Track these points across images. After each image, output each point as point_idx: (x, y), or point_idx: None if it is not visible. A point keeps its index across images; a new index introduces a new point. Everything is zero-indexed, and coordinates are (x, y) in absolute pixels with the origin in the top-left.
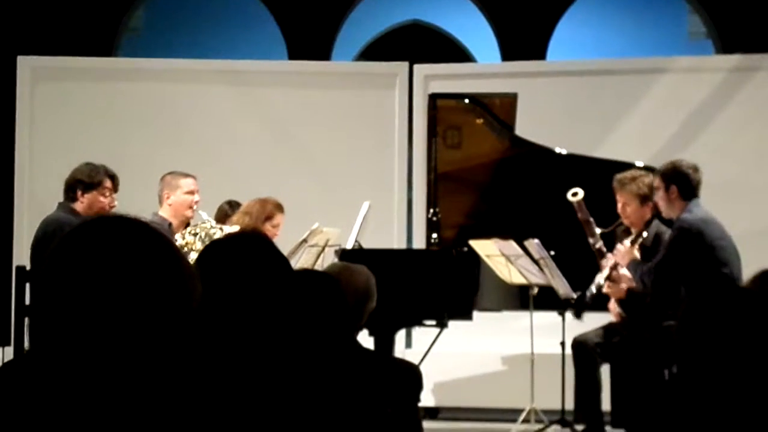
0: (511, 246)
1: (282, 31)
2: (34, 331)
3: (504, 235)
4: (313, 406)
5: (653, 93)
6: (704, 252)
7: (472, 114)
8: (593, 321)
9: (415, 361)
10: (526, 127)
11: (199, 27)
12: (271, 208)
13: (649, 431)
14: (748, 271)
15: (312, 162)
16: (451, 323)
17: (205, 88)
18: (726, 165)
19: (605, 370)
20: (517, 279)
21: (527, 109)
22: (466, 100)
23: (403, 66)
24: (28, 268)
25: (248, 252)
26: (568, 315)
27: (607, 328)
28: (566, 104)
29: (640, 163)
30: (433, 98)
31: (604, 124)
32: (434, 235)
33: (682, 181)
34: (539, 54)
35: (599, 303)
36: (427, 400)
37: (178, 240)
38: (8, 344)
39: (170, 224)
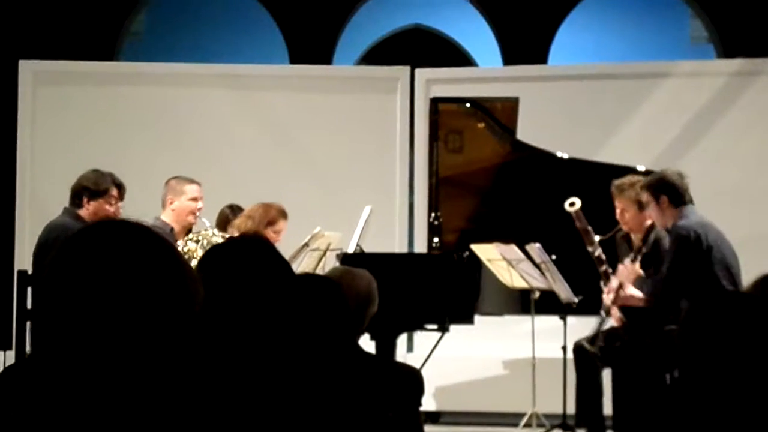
0: (513, 250)
1: (283, 35)
2: (36, 335)
3: (505, 239)
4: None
5: (655, 97)
6: (704, 254)
7: (474, 118)
8: (594, 325)
9: (417, 366)
10: (527, 132)
11: (201, 31)
12: (275, 214)
13: None
14: (749, 276)
15: (313, 166)
16: (453, 327)
17: (207, 92)
18: (727, 169)
19: (606, 374)
20: (518, 283)
21: (528, 113)
22: (468, 104)
23: (404, 70)
24: (29, 272)
25: (250, 256)
26: (570, 319)
27: (609, 333)
28: (567, 108)
29: (641, 168)
30: (435, 102)
31: (606, 128)
32: (436, 239)
33: (670, 190)
34: (541, 58)
35: (600, 307)
36: (428, 404)
37: (180, 247)
38: (10, 348)
39: (172, 229)
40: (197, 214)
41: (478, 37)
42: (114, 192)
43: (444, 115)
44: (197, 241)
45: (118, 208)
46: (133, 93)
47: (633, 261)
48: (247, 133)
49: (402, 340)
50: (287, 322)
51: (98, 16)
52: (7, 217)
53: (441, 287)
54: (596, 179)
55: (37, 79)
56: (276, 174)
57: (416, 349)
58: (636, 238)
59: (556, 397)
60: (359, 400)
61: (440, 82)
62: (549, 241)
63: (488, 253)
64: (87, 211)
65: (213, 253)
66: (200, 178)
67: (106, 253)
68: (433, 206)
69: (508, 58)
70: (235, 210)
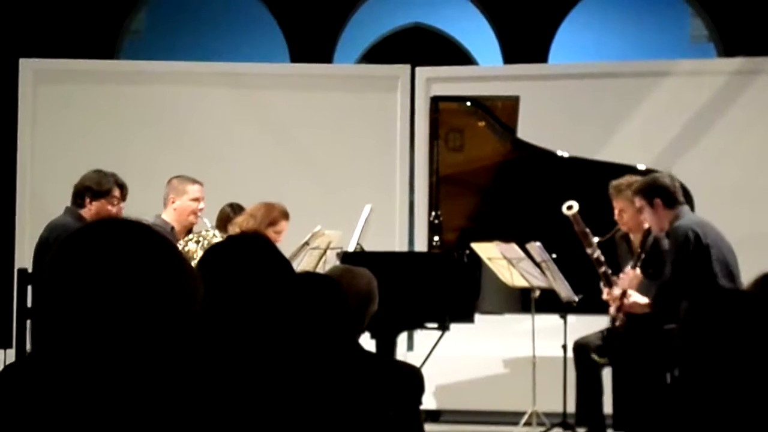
0: (513, 249)
1: (284, 33)
2: (36, 333)
3: (506, 238)
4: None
5: (655, 96)
6: (703, 252)
7: (474, 117)
8: (594, 324)
9: (417, 364)
10: (527, 130)
11: (201, 30)
12: (277, 215)
13: None
14: (749, 275)
15: (314, 165)
16: (453, 326)
17: (207, 91)
18: (728, 168)
19: (607, 373)
20: (518, 282)
21: (529, 112)
22: (468, 103)
23: (405, 69)
24: (30, 270)
25: (250, 254)
26: (570, 318)
27: (609, 332)
28: (568, 107)
29: (641, 167)
30: (435, 101)
31: (606, 127)
32: (436, 238)
33: (663, 192)
34: (541, 57)
35: (600, 305)
36: (428, 403)
37: (180, 247)
38: (10, 347)
39: (172, 228)
40: (198, 214)
41: (478, 35)
42: (116, 192)
43: (444, 113)
44: (197, 242)
45: (121, 209)
46: (133, 91)
47: (634, 267)
48: (248, 132)
49: (402, 338)
50: (287, 321)
51: (99, 14)
52: (7, 216)
53: (441, 286)
54: (597, 178)
55: (37, 77)
56: (276, 172)
57: (416, 347)
58: (635, 238)
59: (557, 395)
60: (359, 398)
61: (441, 80)
62: (549, 239)
63: (488, 251)
64: (89, 211)
65: (213, 251)
66: (200, 177)
67: (106, 251)
68: (433, 205)
69: (509, 57)
70: (235, 208)
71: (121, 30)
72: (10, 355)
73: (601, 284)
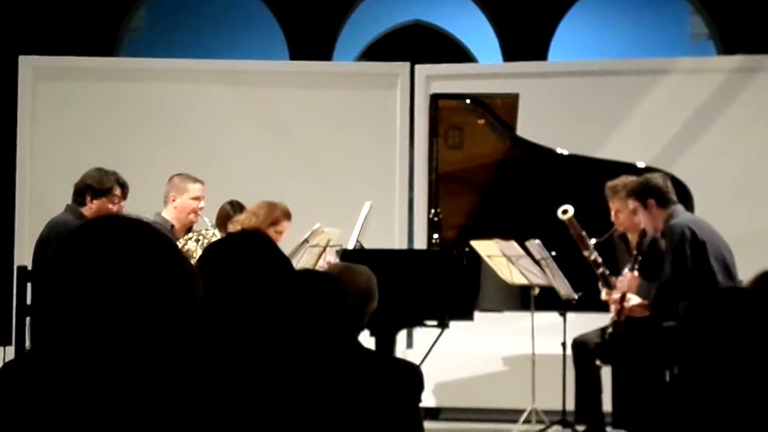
0: (513, 246)
1: (283, 31)
2: (35, 330)
3: (505, 236)
4: (314, 406)
5: (655, 94)
6: (700, 249)
7: (474, 114)
8: (594, 322)
9: (417, 362)
10: (527, 128)
11: (201, 27)
12: (279, 214)
13: None
14: (750, 272)
15: (313, 162)
16: (453, 324)
17: (206, 88)
18: (728, 166)
19: (606, 371)
20: (518, 279)
21: (528, 109)
22: (468, 101)
23: (404, 66)
24: (29, 267)
25: (250, 252)
26: (569, 315)
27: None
28: (567, 105)
29: (641, 164)
30: (435, 98)
31: (606, 124)
32: (435, 236)
33: (656, 192)
34: (540, 54)
35: (600, 303)
36: (428, 400)
37: (180, 245)
38: (9, 344)
39: (172, 226)
40: (198, 213)
41: (478, 33)
42: (117, 191)
43: (444, 111)
44: (197, 240)
45: (121, 207)
46: (133, 89)
47: (631, 269)
48: (247, 129)
49: (402, 336)
50: (287, 318)
51: (98, 11)
52: (7, 213)
53: (441, 283)
54: (596, 176)
55: (37, 74)
56: (276, 170)
57: (416, 345)
58: (632, 237)
59: (556, 393)
60: (359, 396)
61: (440, 78)
62: (549, 237)
63: (488, 249)
64: (90, 209)
65: (213, 249)
66: (200, 174)
67: (105, 248)
68: (432, 202)
69: (508, 55)
70: (235, 206)
71: (120, 27)
72: (10, 352)
73: (599, 284)
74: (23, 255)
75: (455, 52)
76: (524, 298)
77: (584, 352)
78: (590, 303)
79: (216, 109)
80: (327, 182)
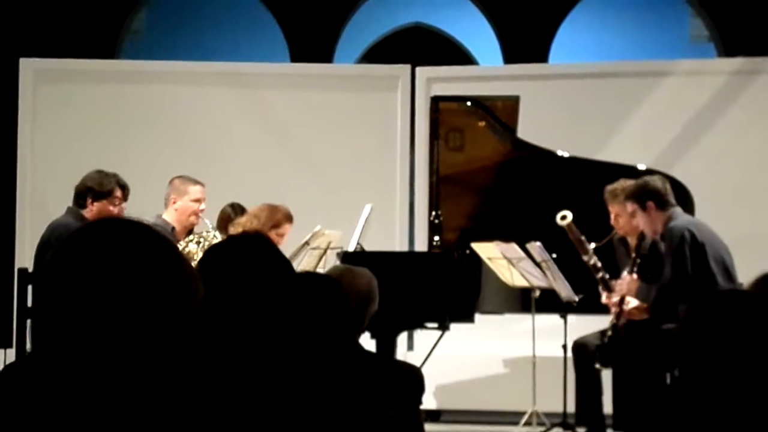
0: (513, 249)
1: (284, 33)
2: (36, 333)
3: (506, 238)
4: (315, 409)
5: (655, 96)
6: (699, 251)
7: (474, 117)
8: (595, 324)
9: (417, 364)
10: (528, 130)
11: (201, 29)
12: (280, 217)
13: None
14: (750, 275)
15: (314, 164)
16: (453, 326)
17: (207, 91)
18: (728, 168)
19: (606, 373)
20: (519, 282)
21: (529, 111)
22: (468, 103)
23: (405, 69)
24: (30, 270)
25: (250, 254)
26: (570, 318)
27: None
28: (568, 107)
29: (642, 166)
30: (435, 101)
31: (606, 127)
32: (436, 238)
33: (654, 195)
34: (541, 57)
35: (600, 305)
36: (428, 402)
37: (180, 247)
38: (10, 346)
39: (173, 228)
40: (199, 215)
41: (478, 35)
42: (118, 193)
43: (445, 113)
44: (198, 243)
45: (122, 210)
46: (133, 91)
47: (630, 273)
48: (248, 132)
49: (402, 338)
50: (288, 321)
51: (99, 14)
52: (7, 215)
53: (441, 286)
54: (597, 178)
55: (37, 77)
56: (276, 172)
57: (417, 347)
58: (632, 241)
59: (557, 395)
60: (360, 398)
61: (441, 80)
62: (549, 239)
63: (489, 251)
64: (91, 211)
65: (213, 251)
66: (200, 176)
67: (106, 251)
68: (433, 205)
69: (509, 57)
70: (236, 209)
71: (121, 30)
72: (10, 354)
73: (600, 288)
74: (24, 257)
75: (456, 54)
76: (525, 301)
77: (585, 354)
78: (591, 305)
79: (216, 112)
80: (328, 184)
